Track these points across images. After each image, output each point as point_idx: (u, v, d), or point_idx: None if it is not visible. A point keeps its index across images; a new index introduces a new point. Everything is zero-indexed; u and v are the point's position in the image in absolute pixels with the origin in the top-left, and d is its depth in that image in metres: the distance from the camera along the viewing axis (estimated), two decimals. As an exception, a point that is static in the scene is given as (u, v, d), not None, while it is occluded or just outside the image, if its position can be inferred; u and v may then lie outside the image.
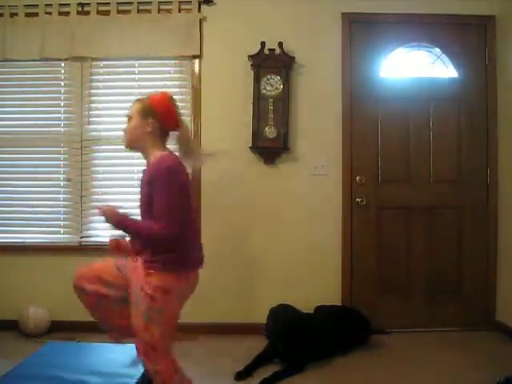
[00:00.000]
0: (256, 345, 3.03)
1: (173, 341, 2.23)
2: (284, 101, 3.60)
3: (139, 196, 2.27)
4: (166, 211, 2.06)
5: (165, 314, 2.11)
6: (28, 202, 3.77)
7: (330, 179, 3.67)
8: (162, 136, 2.25)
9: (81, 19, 3.66)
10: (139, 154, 3.72)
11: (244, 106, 3.63)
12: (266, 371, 2.85)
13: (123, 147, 3.73)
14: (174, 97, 2.32)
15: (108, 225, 2.18)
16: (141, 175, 2.29)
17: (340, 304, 3.59)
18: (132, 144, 2.27)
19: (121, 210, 2.19)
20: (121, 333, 2.35)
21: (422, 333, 3.59)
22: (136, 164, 3.74)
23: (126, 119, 2.26)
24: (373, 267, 3.68)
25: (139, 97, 2.31)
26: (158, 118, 2.19)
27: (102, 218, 2.17)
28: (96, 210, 2.31)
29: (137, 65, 3.74)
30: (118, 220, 2.14)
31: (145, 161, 2.30)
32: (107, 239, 3.83)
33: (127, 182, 3.76)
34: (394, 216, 3.71)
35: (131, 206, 3.69)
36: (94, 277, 2.31)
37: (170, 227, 2.05)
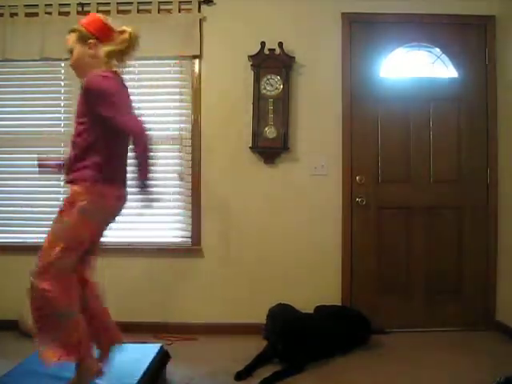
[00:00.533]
0: (256, 345, 3.03)
1: (74, 266, 2.14)
2: (284, 101, 3.60)
3: (74, 126, 2.21)
4: (124, 110, 2.05)
5: (70, 228, 2.06)
6: (28, 202, 3.77)
7: (330, 179, 3.67)
8: (108, 56, 2.19)
9: (81, 19, 3.64)
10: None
11: (244, 106, 3.63)
12: (266, 371, 2.85)
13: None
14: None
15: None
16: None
17: (340, 304, 3.59)
18: (82, 73, 2.21)
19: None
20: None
21: (422, 333, 3.59)
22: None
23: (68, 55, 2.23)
24: (373, 267, 3.68)
25: (71, 27, 2.24)
26: (96, 35, 2.17)
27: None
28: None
29: (137, 65, 3.73)
30: (146, 175, 2.17)
31: None
32: (107, 239, 3.86)
33: (127, 183, 3.75)
34: (394, 216, 3.71)
35: (133, 205, 3.74)
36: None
37: (136, 120, 2.05)
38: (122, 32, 2.20)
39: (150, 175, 2.15)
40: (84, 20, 2.22)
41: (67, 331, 2.07)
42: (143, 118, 2.11)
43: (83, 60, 2.18)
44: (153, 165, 2.15)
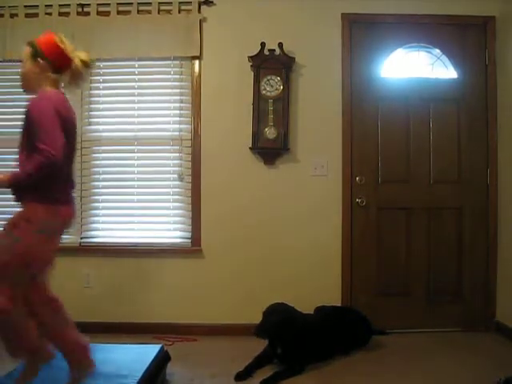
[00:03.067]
0: (256, 346, 3.03)
1: (23, 280, 2.11)
2: (284, 101, 3.60)
3: (19, 144, 2.23)
4: (48, 133, 2.01)
5: (20, 243, 2.05)
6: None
7: (330, 180, 3.67)
8: (56, 75, 2.21)
9: (81, 20, 3.66)
10: (139, 155, 3.74)
11: (244, 106, 3.63)
12: (266, 372, 2.85)
13: (123, 147, 3.78)
14: (62, 36, 2.28)
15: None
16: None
17: (340, 304, 3.59)
18: (27, 87, 2.25)
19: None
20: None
21: (422, 333, 3.59)
22: (136, 165, 3.76)
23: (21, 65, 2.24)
24: (373, 267, 3.68)
25: (30, 40, 2.25)
26: (46, 57, 2.17)
27: None
28: None
29: (137, 65, 3.74)
30: (9, 179, 2.09)
31: None
32: (107, 239, 3.86)
33: (127, 183, 3.76)
34: (394, 216, 3.71)
35: (133, 206, 3.75)
36: None
37: (53, 146, 1.99)
38: (73, 59, 2.22)
39: (11, 183, 2.10)
40: (41, 38, 2.22)
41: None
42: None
43: (29, 76, 2.20)
44: (19, 181, 2.09)
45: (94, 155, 3.76)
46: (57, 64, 2.20)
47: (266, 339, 2.98)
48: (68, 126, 2.16)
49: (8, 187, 2.12)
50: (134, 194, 3.76)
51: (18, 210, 2.16)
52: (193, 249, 3.69)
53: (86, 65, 2.26)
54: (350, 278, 3.66)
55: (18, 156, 2.21)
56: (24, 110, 2.15)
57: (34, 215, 2.09)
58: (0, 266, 2.04)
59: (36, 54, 2.18)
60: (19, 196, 2.15)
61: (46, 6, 3.67)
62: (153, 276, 3.68)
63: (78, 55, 2.25)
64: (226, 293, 3.65)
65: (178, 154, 3.72)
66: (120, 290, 3.66)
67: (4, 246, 2.07)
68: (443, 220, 3.71)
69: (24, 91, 2.27)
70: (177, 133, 3.72)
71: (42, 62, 2.17)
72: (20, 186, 2.12)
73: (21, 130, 2.20)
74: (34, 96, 2.15)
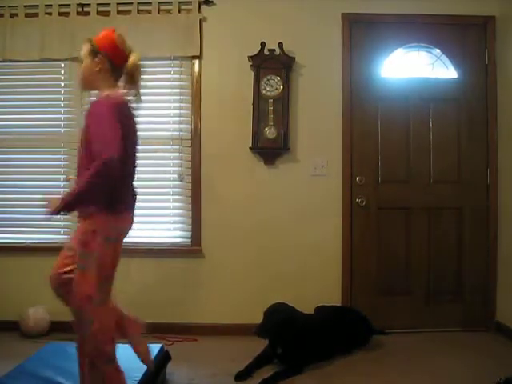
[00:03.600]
0: (256, 345, 3.03)
1: (109, 291, 2.16)
2: (284, 101, 3.60)
3: (79, 153, 2.18)
4: (109, 139, 1.95)
5: (98, 258, 2.04)
6: (28, 203, 3.76)
7: (330, 180, 3.67)
8: (114, 73, 2.19)
9: (81, 20, 3.66)
10: (139, 154, 3.72)
11: (244, 106, 3.62)
12: (266, 372, 2.85)
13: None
14: (119, 34, 2.26)
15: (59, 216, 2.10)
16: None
17: (340, 304, 3.59)
18: (86, 85, 2.25)
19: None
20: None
21: (423, 333, 3.59)
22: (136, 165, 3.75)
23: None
24: (373, 267, 3.68)
25: (88, 37, 2.24)
26: (106, 54, 2.16)
27: (53, 212, 1.98)
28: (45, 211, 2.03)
29: (137, 65, 3.73)
30: (64, 200, 1.96)
31: None
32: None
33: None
34: (394, 216, 3.71)
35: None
36: (64, 272, 2.18)
37: (114, 151, 1.92)
38: (129, 56, 2.21)
39: (67, 205, 1.98)
40: (100, 35, 2.21)
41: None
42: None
43: (89, 73, 2.18)
44: (80, 197, 1.99)
45: (94, 155, 3.75)
46: (114, 60, 2.17)
47: (267, 339, 2.99)
48: (129, 133, 2.12)
49: (65, 208, 1.98)
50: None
51: (77, 227, 2.14)
52: (193, 249, 3.69)
53: (138, 65, 2.23)
54: (350, 278, 3.66)
55: (79, 161, 2.18)
56: (85, 113, 2.13)
57: (100, 225, 2.05)
58: (93, 288, 2.03)
59: (94, 50, 2.16)
60: (83, 210, 2.09)
61: (45, 5, 3.66)
62: (153, 276, 3.68)
63: (133, 53, 2.23)
64: (226, 293, 3.65)
65: (178, 154, 3.72)
66: (120, 290, 3.64)
67: (86, 268, 2.04)
68: (443, 220, 3.71)
69: (83, 90, 2.27)
70: (177, 133, 3.72)
71: (100, 58, 2.15)
72: (84, 200, 2.03)
73: (81, 134, 2.15)
74: (95, 99, 2.13)
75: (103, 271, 2.08)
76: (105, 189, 1.99)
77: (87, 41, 2.20)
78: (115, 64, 2.18)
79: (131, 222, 2.27)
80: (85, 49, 2.19)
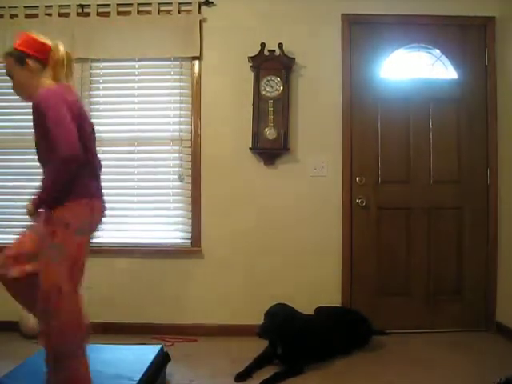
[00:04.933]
0: (256, 346, 3.03)
1: (79, 282, 2.12)
2: (284, 102, 3.60)
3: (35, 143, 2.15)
4: (60, 131, 1.94)
5: (67, 249, 2.01)
6: (28, 203, 3.76)
7: (329, 180, 3.67)
8: (47, 70, 2.15)
9: (81, 20, 3.66)
10: (139, 155, 3.74)
11: (244, 107, 3.63)
12: (266, 372, 2.85)
13: (123, 147, 3.78)
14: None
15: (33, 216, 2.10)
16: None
17: (340, 305, 3.59)
18: (26, 94, 2.19)
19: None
20: None
21: (423, 334, 3.59)
22: (137, 165, 3.76)
23: (9, 79, 2.19)
24: (373, 268, 3.68)
25: (5, 52, 2.21)
26: (31, 54, 2.13)
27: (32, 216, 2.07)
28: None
29: (137, 66, 3.74)
30: (35, 201, 2.04)
31: None
32: (107, 239, 3.86)
33: (127, 184, 3.76)
34: (394, 217, 3.71)
35: (133, 207, 3.75)
36: (15, 257, 2.15)
37: (70, 145, 1.93)
38: (50, 44, 2.17)
39: (42, 202, 2.04)
40: (15, 42, 2.17)
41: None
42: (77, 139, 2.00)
43: (23, 82, 2.16)
44: (53, 192, 2.02)
45: (94, 155, 3.75)
46: (40, 56, 2.14)
47: (269, 340, 2.99)
48: (78, 112, 2.09)
49: (37, 208, 2.05)
50: (134, 195, 3.76)
51: (48, 216, 2.07)
52: (193, 249, 3.69)
53: (67, 53, 2.20)
54: (349, 278, 3.66)
55: (39, 156, 2.16)
56: (31, 108, 2.09)
57: (72, 218, 2.03)
58: (63, 279, 2.00)
59: (19, 57, 2.13)
60: (53, 203, 2.06)
61: (45, 6, 3.67)
62: (153, 276, 3.68)
63: (57, 43, 2.20)
64: (226, 293, 3.65)
65: (178, 155, 3.73)
66: (120, 290, 3.66)
67: (54, 260, 2.01)
68: (443, 220, 3.71)
69: (27, 100, 2.19)
70: (177, 133, 3.72)
71: (28, 60, 2.13)
72: (51, 199, 2.04)
73: (33, 128, 2.12)
74: (36, 95, 2.08)
75: (74, 262, 2.04)
76: (68, 184, 2.02)
77: (6, 55, 2.16)
78: (43, 60, 2.15)
79: (102, 211, 2.23)
80: (9, 61, 2.15)
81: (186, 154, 3.72)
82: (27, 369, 2.46)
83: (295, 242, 3.66)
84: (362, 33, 3.69)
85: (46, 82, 2.13)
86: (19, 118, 3.78)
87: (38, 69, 2.15)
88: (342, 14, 3.66)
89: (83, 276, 2.17)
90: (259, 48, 3.57)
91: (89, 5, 3.67)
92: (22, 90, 2.20)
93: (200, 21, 3.64)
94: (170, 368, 2.80)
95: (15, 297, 2.22)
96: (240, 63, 3.64)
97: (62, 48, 2.19)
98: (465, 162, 3.71)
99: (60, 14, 3.68)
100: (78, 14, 3.67)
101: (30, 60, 2.14)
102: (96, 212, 2.18)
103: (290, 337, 2.92)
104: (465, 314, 3.68)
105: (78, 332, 2.05)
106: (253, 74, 3.61)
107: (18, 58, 2.14)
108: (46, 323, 2.03)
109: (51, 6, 3.67)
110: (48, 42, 2.19)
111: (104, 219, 2.30)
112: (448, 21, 3.68)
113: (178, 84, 3.74)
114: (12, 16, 3.69)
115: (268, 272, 3.65)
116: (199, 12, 3.65)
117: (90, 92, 3.75)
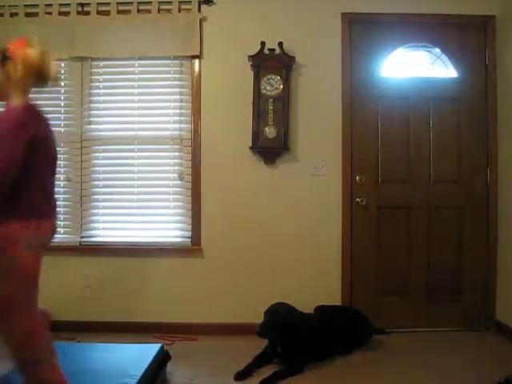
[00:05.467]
0: (256, 345, 3.03)
1: (35, 300, 2.07)
2: (284, 101, 3.60)
3: None
4: (6, 151, 1.84)
5: (17, 264, 1.94)
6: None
7: (329, 179, 3.67)
8: (26, 81, 2.09)
9: (81, 19, 3.66)
10: (139, 154, 3.71)
11: (244, 106, 3.62)
12: (266, 371, 2.85)
13: (123, 147, 3.78)
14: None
15: None
16: None
17: (340, 304, 3.60)
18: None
19: None
20: None
21: (423, 333, 3.59)
22: (137, 164, 3.76)
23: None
24: (373, 267, 3.68)
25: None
26: (16, 62, 2.09)
27: None
28: None
29: (137, 65, 3.74)
30: None
31: None
32: (107, 238, 3.85)
33: (127, 183, 3.76)
34: (394, 216, 3.71)
35: (133, 205, 3.75)
36: None
37: (6, 167, 1.83)
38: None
39: None
40: (14, 42, 2.17)
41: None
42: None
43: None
44: None
45: (94, 155, 3.75)
46: (23, 67, 2.10)
47: (269, 339, 2.99)
48: (40, 141, 1.99)
49: None
50: (134, 194, 3.76)
51: None
52: (193, 248, 3.69)
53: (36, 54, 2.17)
54: (350, 278, 3.66)
55: None
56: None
57: (18, 233, 1.95)
58: (13, 295, 1.95)
59: (4, 57, 2.10)
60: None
61: (45, 5, 3.67)
62: (153, 275, 3.68)
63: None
64: (226, 292, 3.65)
65: (178, 154, 3.72)
66: (120, 289, 3.66)
67: (2, 276, 1.94)
68: (443, 220, 3.71)
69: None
70: (177, 132, 3.71)
71: (10, 66, 2.08)
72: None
73: None
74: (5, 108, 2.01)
75: (26, 275, 1.99)
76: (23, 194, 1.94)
77: None
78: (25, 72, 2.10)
79: (51, 229, 2.13)
80: None
81: (185, 153, 3.71)
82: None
83: (295, 240, 3.65)
84: (361, 31, 3.69)
85: (21, 95, 2.04)
86: None
87: (16, 78, 2.07)
88: (342, 13, 3.65)
89: (38, 288, 2.10)
90: (259, 47, 3.57)
91: (89, 3, 3.67)
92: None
93: (200, 19, 3.64)
94: (170, 367, 2.80)
95: None
96: (240, 62, 3.64)
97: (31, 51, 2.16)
98: (465, 162, 3.71)
99: (60, 13, 3.68)
100: (78, 13, 3.67)
101: (11, 66, 2.09)
102: (45, 232, 2.09)
103: (290, 336, 2.92)
104: (464, 313, 3.68)
105: (38, 341, 2.01)
106: (253, 72, 3.61)
107: (3, 57, 2.11)
108: (4, 334, 1.99)
109: (51, 4, 3.67)
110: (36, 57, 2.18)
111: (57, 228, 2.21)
112: (448, 20, 3.68)
113: (178, 83, 3.73)
114: (12, 15, 3.68)
115: (268, 271, 3.65)
116: (199, 11, 3.65)
117: (90, 91, 3.75)
